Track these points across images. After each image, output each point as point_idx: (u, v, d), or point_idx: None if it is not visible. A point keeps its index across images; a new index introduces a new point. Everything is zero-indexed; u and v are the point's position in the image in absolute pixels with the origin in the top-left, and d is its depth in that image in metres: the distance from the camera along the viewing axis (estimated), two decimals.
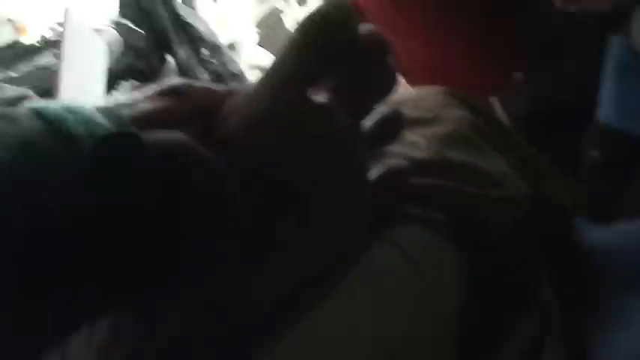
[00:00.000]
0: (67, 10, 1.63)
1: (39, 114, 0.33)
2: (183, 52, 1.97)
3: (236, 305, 0.40)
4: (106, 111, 0.36)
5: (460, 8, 0.90)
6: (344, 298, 0.43)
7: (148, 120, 0.38)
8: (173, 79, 0.44)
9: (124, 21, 1.95)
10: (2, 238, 0.30)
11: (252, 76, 2.04)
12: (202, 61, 1.98)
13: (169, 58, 2.00)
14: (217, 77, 1.97)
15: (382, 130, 0.47)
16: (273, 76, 0.42)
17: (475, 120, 0.58)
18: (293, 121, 0.41)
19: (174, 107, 0.41)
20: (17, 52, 1.80)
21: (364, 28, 0.45)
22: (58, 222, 0.32)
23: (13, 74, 1.73)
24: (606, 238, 0.53)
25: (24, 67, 1.76)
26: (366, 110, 0.47)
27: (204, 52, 1.97)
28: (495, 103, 1.35)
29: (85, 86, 1.68)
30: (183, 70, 1.98)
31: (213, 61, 1.96)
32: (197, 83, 0.44)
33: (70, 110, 0.34)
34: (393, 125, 0.48)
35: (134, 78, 1.93)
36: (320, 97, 0.44)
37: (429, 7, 0.89)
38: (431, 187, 0.51)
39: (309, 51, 0.41)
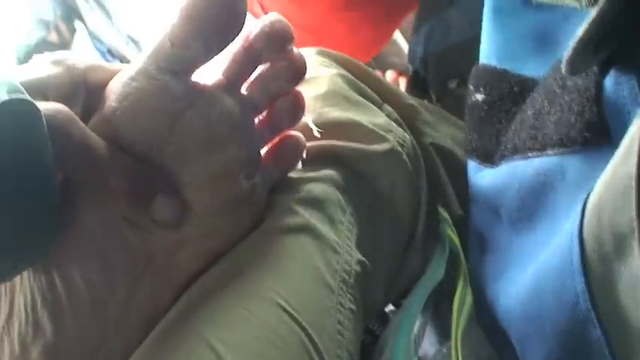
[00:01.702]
0: None
1: None
2: (93, 18, 1.93)
3: None
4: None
5: None
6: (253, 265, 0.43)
7: (31, 86, 0.37)
8: (60, 52, 0.42)
9: None
10: None
11: None
12: (114, 26, 1.94)
13: (80, 27, 1.95)
14: (132, 41, 1.93)
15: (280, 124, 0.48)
16: (150, 60, 0.41)
17: (349, 76, 0.58)
18: (171, 106, 0.41)
19: (55, 77, 0.40)
20: None
21: (269, 15, 0.45)
22: None
23: None
24: (493, 178, 0.54)
25: None
26: (262, 98, 0.47)
27: (115, 16, 1.93)
28: (405, 45, 1.36)
29: None
30: (96, 38, 1.94)
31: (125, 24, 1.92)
32: (87, 58, 0.43)
33: None
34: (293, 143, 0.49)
35: (48, 50, 1.88)
36: (209, 80, 0.44)
37: None
38: (321, 147, 0.51)
39: (189, 32, 0.40)
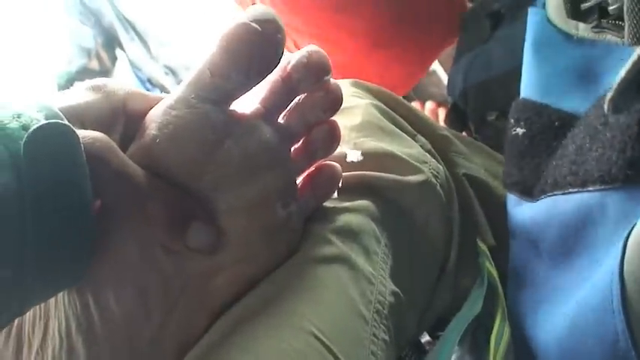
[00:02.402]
0: None
1: None
2: (133, 48, 1.95)
3: None
4: (37, 103, 0.36)
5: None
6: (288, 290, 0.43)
7: (70, 113, 0.38)
8: (100, 79, 0.43)
9: (71, 20, 1.92)
10: None
11: None
12: (153, 57, 1.96)
13: (122, 55, 1.98)
14: (171, 71, 1.95)
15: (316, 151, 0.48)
16: (190, 89, 0.41)
17: (383, 107, 0.59)
18: (210, 135, 0.41)
19: (94, 104, 0.41)
20: None
21: (307, 47, 0.45)
22: None
23: None
24: (533, 213, 0.54)
25: None
26: (298, 127, 0.47)
27: (154, 47, 1.95)
28: (445, 76, 1.36)
29: None
30: (136, 67, 1.96)
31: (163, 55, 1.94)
32: (126, 85, 0.44)
33: (2, 103, 0.35)
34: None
35: (89, 78, 1.90)
36: (247, 110, 0.44)
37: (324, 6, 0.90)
38: (356, 178, 0.51)
39: (229, 63, 0.41)
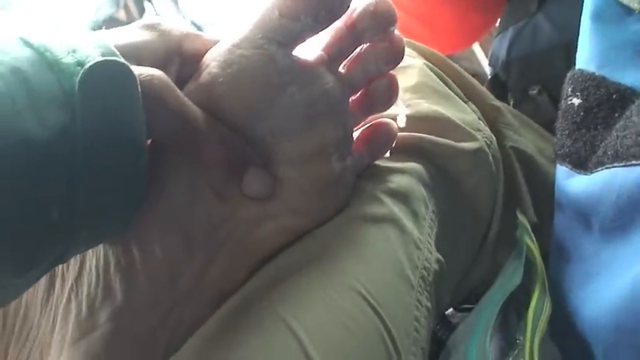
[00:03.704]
0: None
1: (26, 42, 0.32)
2: (161, 1, 1.94)
3: None
4: (92, 39, 0.34)
5: None
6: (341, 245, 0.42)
7: (125, 51, 0.36)
8: (154, 18, 0.42)
9: None
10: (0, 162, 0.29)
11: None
12: (181, 12, 1.96)
13: (148, 6, 1.97)
14: (197, 28, 1.94)
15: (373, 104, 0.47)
16: (257, 29, 0.40)
17: (437, 70, 0.57)
18: (275, 78, 0.40)
19: (149, 43, 0.39)
20: None
21: None
22: (45, 152, 0.30)
23: None
24: (586, 185, 0.52)
25: None
26: (359, 78, 0.46)
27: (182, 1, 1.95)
28: (479, 50, 1.34)
29: None
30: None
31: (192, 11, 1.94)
32: (181, 26, 0.42)
33: (56, 37, 0.33)
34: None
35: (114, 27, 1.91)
36: (311, 56, 0.43)
37: None
38: (409, 139, 0.50)
39: (301, 4, 0.40)
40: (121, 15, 1.98)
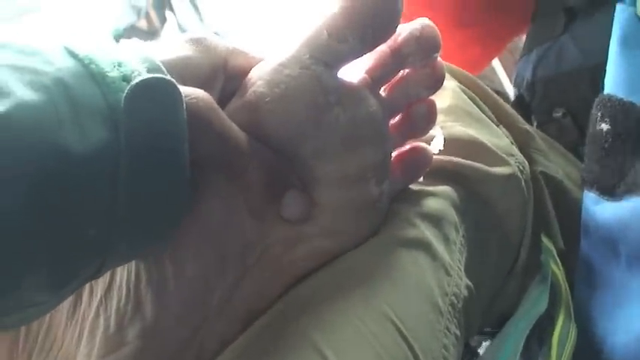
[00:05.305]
0: None
1: (71, 52, 0.32)
2: (183, 11, 1.95)
3: None
4: (137, 53, 0.34)
5: None
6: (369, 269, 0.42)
7: (170, 66, 0.36)
8: (199, 32, 0.42)
9: None
10: (40, 176, 0.29)
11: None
12: (203, 21, 1.96)
13: (170, 15, 1.98)
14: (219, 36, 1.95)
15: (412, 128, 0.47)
16: (304, 49, 0.40)
17: (469, 92, 0.57)
18: (321, 99, 0.40)
19: (194, 59, 0.39)
20: None
21: (419, 20, 0.44)
22: (87, 166, 0.30)
23: None
24: (614, 213, 0.52)
25: None
26: (399, 103, 0.46)
27: (204, 11, 1.95)
28: (500, 70, 1.34)
29: None
30: (184, 30, 1.96)
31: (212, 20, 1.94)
32: (227, 41, 0.42)
33: (101, 49, 0.33)
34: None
35: (136, 37, 1.90)
36: (355, 78, 0.43)
37: None
38: (441, 162, 0.50)
39: (349, 25, 0.40)
40: (142, 24, 1.99)
